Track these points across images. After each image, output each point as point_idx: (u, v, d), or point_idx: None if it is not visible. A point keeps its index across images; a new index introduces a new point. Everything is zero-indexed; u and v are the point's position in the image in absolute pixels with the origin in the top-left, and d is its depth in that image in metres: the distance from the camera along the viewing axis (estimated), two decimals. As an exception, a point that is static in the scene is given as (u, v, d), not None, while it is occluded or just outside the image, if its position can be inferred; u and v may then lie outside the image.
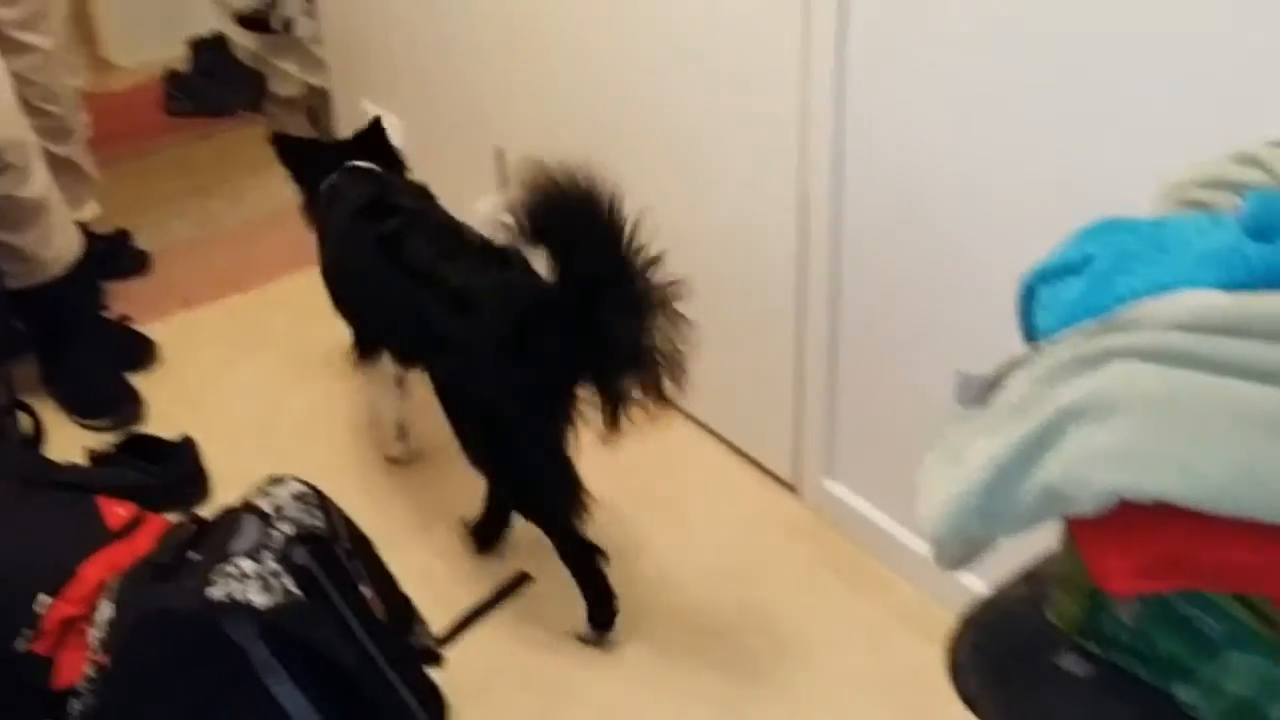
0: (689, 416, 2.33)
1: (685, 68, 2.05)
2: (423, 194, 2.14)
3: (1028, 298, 1.05)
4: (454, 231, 1.94)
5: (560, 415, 1.72)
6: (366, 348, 2.14)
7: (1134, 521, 0.84)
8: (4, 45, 2.28)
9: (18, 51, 2.33)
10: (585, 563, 1.84)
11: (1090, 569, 0.90)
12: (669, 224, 2.18)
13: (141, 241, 2.98)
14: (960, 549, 0.95)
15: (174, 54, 3.79)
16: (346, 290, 2.09)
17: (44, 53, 2.40)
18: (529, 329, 1.67)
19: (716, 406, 2.27)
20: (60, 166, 2.45)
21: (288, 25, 3.67)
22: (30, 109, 2.34)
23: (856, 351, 1.94)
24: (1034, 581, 1.09)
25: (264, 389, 2.50)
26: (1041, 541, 0.98)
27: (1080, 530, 0.91)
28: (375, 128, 2.32)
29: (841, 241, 1.88)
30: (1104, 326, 0.87)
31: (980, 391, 0.94)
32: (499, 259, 1.78)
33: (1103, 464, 0.82)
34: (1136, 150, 1.42)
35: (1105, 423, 0.83)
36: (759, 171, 1.98)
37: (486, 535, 2.04)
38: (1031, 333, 1.05)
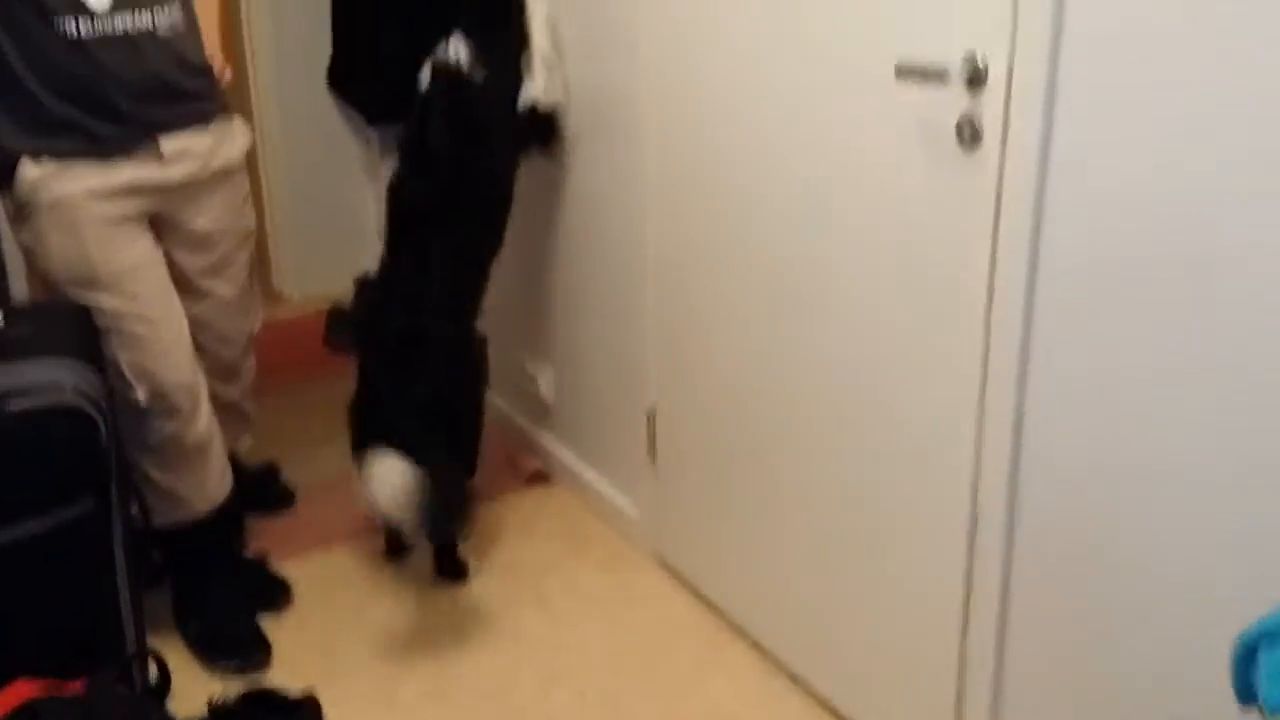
0: (827, 705, 2.19)
1: (855, 358, 2.01)
2: None
3: (1245, 659, 0.95)
4: None
5: None
6: None
7: None
8: (186, 291, 2.34)
9: (199, 297, 2.39)
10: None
11: None
12: (827, 528, 2.14)
13: (289, 475, 3.00)
14: None
15: (341, 288, 3.90)
16: None
17: (224, 299, 2.46)
18: None
19: (867, 701, 2.13)
20: (222, 407, 2.48)
21: (451, 271, 3.77)
22: (202, 351, 2.39)
23: (1023, 670, 1.80)
24: None
25: (393, 643, 2.44)
26: None
27: None
28: None
29: (1013, 555, 1.77)
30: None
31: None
32: None
33: None
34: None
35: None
36: (926, 482, 1.90)
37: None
38: (1248, 695, 0.95)
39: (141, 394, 2.21)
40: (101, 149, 2.14)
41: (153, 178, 2.21)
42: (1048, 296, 1.64)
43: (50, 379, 1.75)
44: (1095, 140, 1.54)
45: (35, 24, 2.06)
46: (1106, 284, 1.56)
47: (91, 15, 2.08)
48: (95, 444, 1.80)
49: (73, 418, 1.76)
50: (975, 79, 1.68)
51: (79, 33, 2.07)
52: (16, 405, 1.71)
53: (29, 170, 2.11)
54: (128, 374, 2.20)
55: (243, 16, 4.10)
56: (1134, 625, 1.61)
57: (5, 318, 1.82)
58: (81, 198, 2.13)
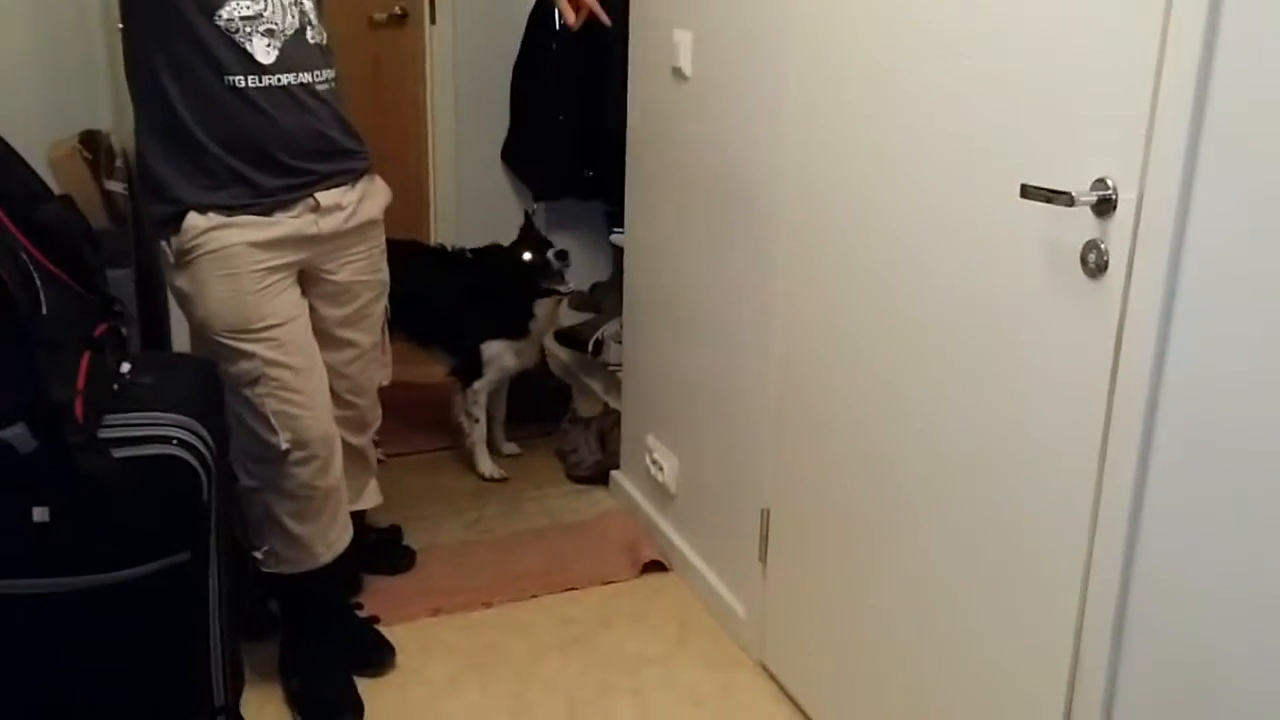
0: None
1: (971, 475, 1.93)
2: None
3: None
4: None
5: None
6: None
7: None
8: (326, 341, 2.41)
9: (337, 347, 2.46)
10: None
11: None
12: (938, 652, 2.06)
13: (411, 537, 3.04)
14: None
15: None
16: None
17: (360, 349, 2.52)
18: None
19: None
20: (351, 455, 2.54)
21: (599, 347, 3.81)
22: (338, 401, 2.46)
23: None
24: None
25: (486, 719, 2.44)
26: None
27: None
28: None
29: (1117, 682, 1.66)
30: None
31: None
32: None
33: None
34: None
35: None
36: (1028, 606, 1.81)
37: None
38: None
39: (284, 441, 2.27)
40: (264, 202, 2.22)
41: (307, 230, 2.28)
42: (1167, 435, 1.55)
43: (159, 430, 1.82)
44: (1225, 280, 1.45)
45: (207, 78, 2.14)
46: (1229, 425, 1.46)
47: (260, 71, 2.16)
48: (196, 497, 1.85)
49: (175, 469, 1.82)
50: (1104, 205, 1.61)
51: (247, 87, 2.15)
52: (121, 453, 1.77)
53: (196, 220, 2.18)
54: (273, 421, 2.26)
55: (426, 94, 4.26)
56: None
57: (132, 368, 1.90)
58: (244, 248, 2.20)
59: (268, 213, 2.23)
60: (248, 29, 2.14)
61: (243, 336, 2.23)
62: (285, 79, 2.19)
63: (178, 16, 2.11)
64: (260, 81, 2.17)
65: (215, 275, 2.21)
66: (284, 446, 2.28)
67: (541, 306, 3.43)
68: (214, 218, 2.19)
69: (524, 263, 3.41)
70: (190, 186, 2.19)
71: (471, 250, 3.55)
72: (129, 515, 1.79)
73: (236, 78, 2.15)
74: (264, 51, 2.16)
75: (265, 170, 2.21)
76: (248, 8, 2.13)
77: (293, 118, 2.22)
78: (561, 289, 3.44)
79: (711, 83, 2.64)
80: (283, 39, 2.18)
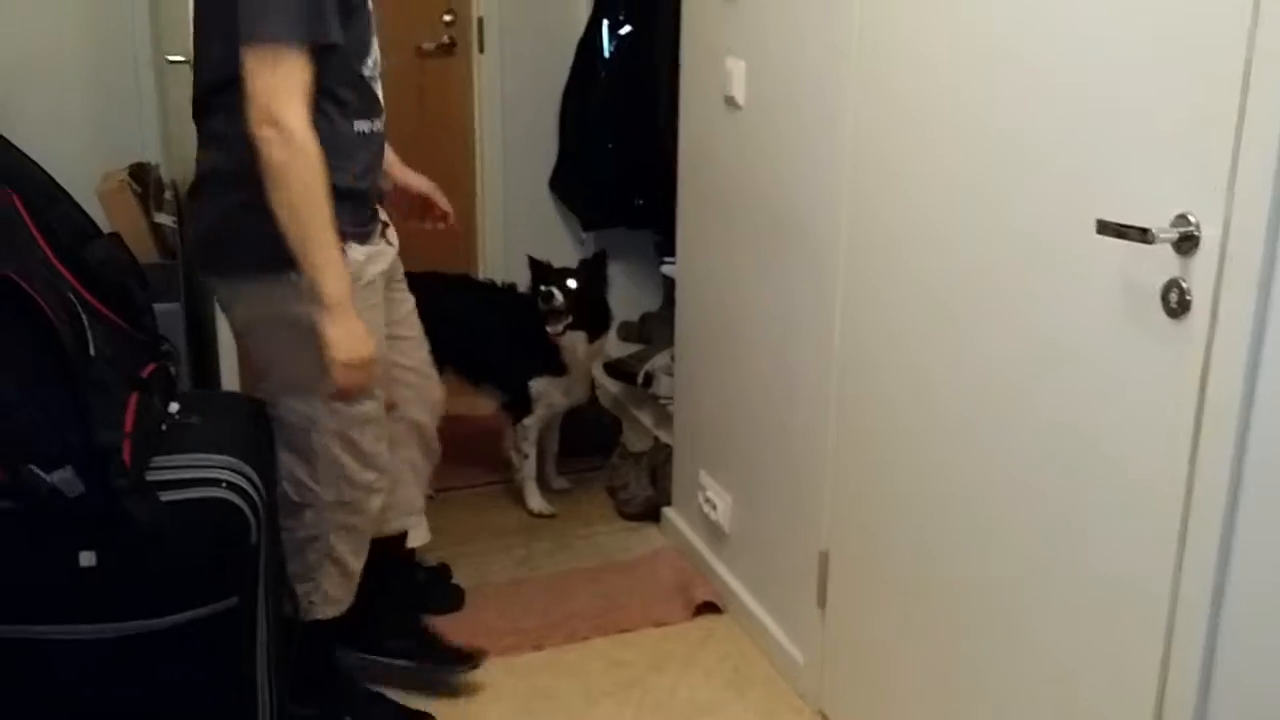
0: None
1: (1043, 518, 1.85)
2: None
3: None
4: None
5: None
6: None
7: None
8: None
9: (410, 370, 2.42)
10: None
11: None
12: (1009, 699, 1.98)
13: (459, 574, 2.99)
14: None
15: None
16: None
17: (428, 370, 2.50)
18: None
19: None
20: (419, 439, 2.51)
21: (649, 380, 3.75)
22: (410, 423, 2.43)
23: None
24: None
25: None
26: None
27: None
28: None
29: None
30: None
31: None
32: None
33: None
34: None
35: None
36: (1113, 656, 1.72)
37: None
38: None
39: (374, 477, 2.23)
40: (376, 232, 2.20)
41: (392, 258, 2.27)
42: (1256, 477, 1.47)
43: (207, 473, 1.78)
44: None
45: (341, 122, 2.04)
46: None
47: (379, 115, 2.14)
48: (245, 540, 1.81)
49: (224, 513, 1.78)
50: (1186, 242, 1.54)
51: (371, 131, 2.12)
52: (169, 496, 1.73)
53: (354, 252, 2.08)
54: (372, 459, 2.21)
55: (474, 123, 4.24)
56: None
57: (180, 408, 1.87)
58: (380, 279, 2.19)
59: (375, 242, 2.19)
60: (378, 74, 2.13)
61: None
62: (378, 124, 2.17)
63: (338, 64, 2.01)
64: (378, 126, 2.16)
65: (364, 308, 2.07)
66: (375, 483, 2.24)
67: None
68: (357, 251, 2.10)
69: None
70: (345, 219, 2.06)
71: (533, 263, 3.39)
72: (177, 560, 1.76)
73: (364, 123, 2.11)
74: (380, 98, 2.15)
75: (374, 202, 2.21)
76: (377, 54, 2.12)
77: (380, 158, 2.22)
78: (549, 328, 3.28)
79: (766, 111, 2.59)
80: (380, 85, 2.16)
